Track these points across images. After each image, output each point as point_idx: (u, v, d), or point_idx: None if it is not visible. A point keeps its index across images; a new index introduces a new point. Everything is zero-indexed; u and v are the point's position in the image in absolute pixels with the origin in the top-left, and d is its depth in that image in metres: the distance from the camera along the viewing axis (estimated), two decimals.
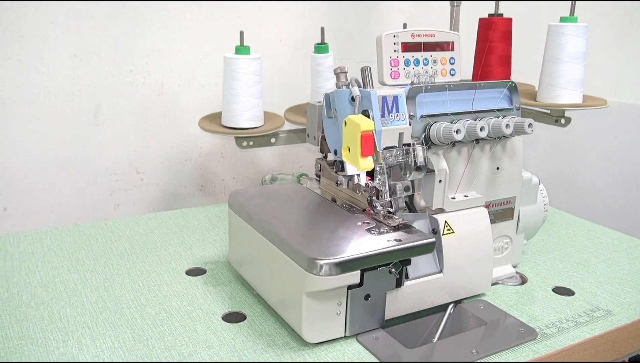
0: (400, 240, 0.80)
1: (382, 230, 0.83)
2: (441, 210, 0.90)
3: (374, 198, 0.86)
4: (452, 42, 1.06)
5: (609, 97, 1.22)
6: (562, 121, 1.18)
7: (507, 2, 1.38)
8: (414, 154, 0.86)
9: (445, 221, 0.89)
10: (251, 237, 0.88)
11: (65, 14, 1.24)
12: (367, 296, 0.81)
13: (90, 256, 1.04)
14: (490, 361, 0.78)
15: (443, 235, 0.89)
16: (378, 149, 0.83)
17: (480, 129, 0.87)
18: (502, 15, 1.30)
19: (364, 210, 0.90)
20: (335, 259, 0.74)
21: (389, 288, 0.83)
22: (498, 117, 0.92)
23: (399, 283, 0.83)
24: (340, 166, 0.91)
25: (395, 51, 1.01)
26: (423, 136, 0.88)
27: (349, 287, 0.79)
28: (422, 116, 0.88)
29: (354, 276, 0.76)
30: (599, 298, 0.95)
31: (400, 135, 0.86)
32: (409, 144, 0.86)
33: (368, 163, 0.83)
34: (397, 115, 0.86)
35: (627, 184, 1.64)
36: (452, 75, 1.05)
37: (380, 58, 0.99)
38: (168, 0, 1.33)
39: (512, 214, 1.00)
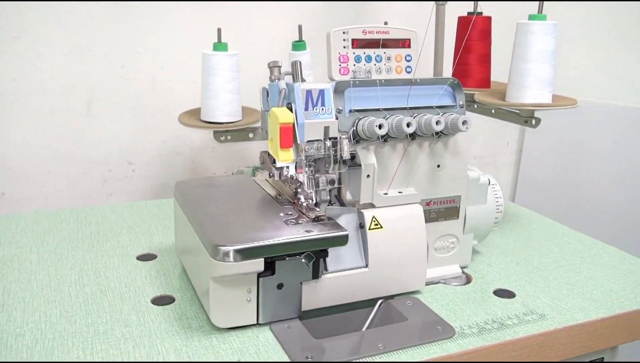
0: (311, 231, 0.82)
1: (299, 221, 0.85)
2: (371, 205, 0.90)
3: (298, 189, 0.87)
4: (409, 40, 1.05)
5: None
6: (533, 121, 1.15)
7: (492, 1, 1.35)
8: (340, 148, 0.87)
9: (373, 216, 0.89)
10: (184, 225, 0.92)
11: (60, 11, 1.32)
12: (280, 286, 0.82)
13: (56, 238, 1.10)
14: (392, 360, 0.78)
15: (369, 229, 0.89)
16: (299, 142, 0.85)
17: (407, 125, 0.87)
18: (481, 13, 1.28)
19: (294, 202, 0.92)
20: (236, 246, 0.77)
21: (304, 279, 0.84)
22: (442, 114, 0.92)
23: (315, 275, 0.84)
24: (273, 158, 0.93)
25: (344, 47, 1.01)
26: (352, 130, 0.89)
27: (260, 275, 0.81)
28: (350, 111, 0.89)
29: (257, 264, 0.78)
30: (539, 302, 0.93)
31: (326, 129, 0.87)
32: (335, 138, 0.87)
33: (287, 155, 0.84)
34: (323, 109, 0.87)
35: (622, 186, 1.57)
36: (408, 72, 1.05)
37: (329, 54, 1.01)
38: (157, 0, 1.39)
39: (457, 214, 0.99)
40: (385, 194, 0.92)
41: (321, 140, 0.86)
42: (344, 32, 1.02)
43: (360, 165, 0.89)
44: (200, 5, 1.43)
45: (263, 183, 1.02)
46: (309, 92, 0.86)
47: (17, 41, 1.30)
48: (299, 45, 1.30)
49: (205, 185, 0.99)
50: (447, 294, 0.95)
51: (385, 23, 1.31)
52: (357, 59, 1.03)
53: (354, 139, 0.88)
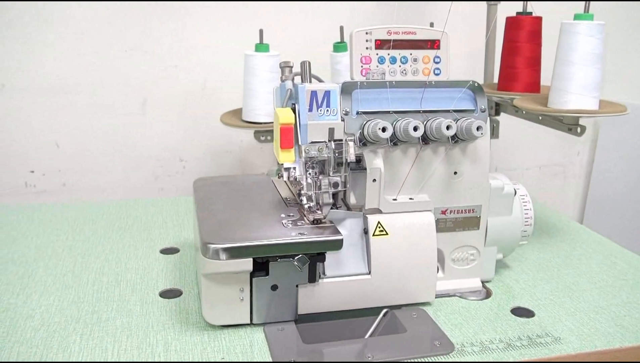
0: (303, 234, 0.80)
1: (298, 224, 0.84)
2: (378, 210, 0.88)
3: (301, 191, 0.86)
4: (438, 41, 1.01)
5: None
6: (578, 129, 1.07)
7: (545, 1, 1.27)
8: (346, 151, 0.85)
9: (379, 222, 0.87)
10: (193, 222, 0.93)
11: (119, 13, 1.39)
12: (274, 287, 0.82)
13: (93, 228, 1.16)
14: None
15: (373, 235, 0.86)
16: (301, 143, 0.84)
17: (415, 129, 0.83)
18: (530, 13, 1.21)
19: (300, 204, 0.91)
20: (224, 244, 0.77)
21: (300, 282, 0.83)
22: (457, 120, 0.87)
23: (312, 279, 0.83)
24: None
25: (367, 48, 0.99)
26: (359, 133, 0.86)
27: (253, 275, 0.81)
28: (358, 113, 0.86)
29: (245, 264, 0.78)
30: (559, 324, 0.86)
31: (331, 130, 0.85)
32: (341, 140, 0.86)
33: (288, 156, 0.84)
34: (328, 110, 0.85)
35: None
36: (437, 74, 1.01)
37: (351, 55, 0.99)
38: (208, 0, 1.43)
39: (477, 224, 0.94)
40: (395, 200, 0.89)
41: (325, 142, 0.85)
42: (367, 33, 0.99)
43: (366, 169, 0.86)
44: (247, 6, 1.45)
45: (281, 184, 1.01)
46: (313, 93, 0.85)
47: (79, 42, 1.39)
48: (340, 46, 1.29)
49: (222, 183, 1.01)
50: (459, 308, 0.90)
51: (431, 24, 1.27)
52: (381, 60, 1.00)
53: (360, 142, 0.86)
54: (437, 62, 1.01)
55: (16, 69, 1.38)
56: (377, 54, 1.00)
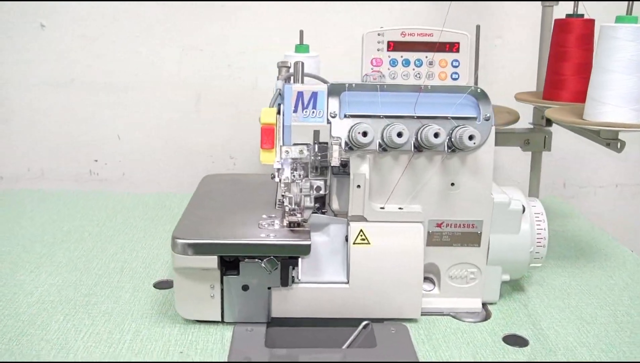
0: (273, 236, 0.79)
1: (274, 225, 0.83)
2: (363, 218, 0.84)
3: (284, 193, 0.85)
4: (457, 43, 0.96)
5: None
6: (618, 145, 0.96)
7: (600, 1, 1.15)
8: (330, 154, 0.83)
9: (361, 230, 0.83)
10: None
11: (176, 13, 1.46)
12: (245, 287, 0.81)
13: (125, 217, 1.23)
14: None
15: (354, 244, 0.83)
16: (282, 144, 0.83)
17: (398, 135, 0.79)
18: (582, 16, 1.10)
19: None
20: (190, 240, 0.78)
21: (273, 285, 0.81)
22: (456, 127, 0.82)
23: (284, 282, 0.81)
24: None
25: (379, 50, 0.96)
26: (348, 136, 0.83)
27: (225, 273, 0.81)
28: (346, 116, 0.83)
29: (210, 261, 0.78)
30: (551, 357, 0.77)
31: (316, 133, 0.83)
32: (326, 143, 0.83)
33: (268, 156, 0.83)
34: (314, 112, 0.83)
35: None
36: (454, 79, 0.95)
37: (362, 57, 0.96)
38: (262, 0, 1.45)
39: (477, 241, 0.87)
40: (382, 208, 0.85)
41: (310, 144, 0.83)
42: (379, 34, 0.96)
43: (348, 174, 0.83)
44: (297, 7, 1.46)
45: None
46: (300, 94, 0.83)
47: (139, 40, 1.47)
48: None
49: (226, 181, 1.02)
50: (447, 329, 0.84)
51: (478, 27, 1.21)
52: (393, 63, 0.96)
53: (347, 146, 0.83)
54: (455, 66, 0.96)
55: (84, 64, 1.48)
56: (389, 56, 0.96)
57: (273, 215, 0.86)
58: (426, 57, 0.95)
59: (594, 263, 1.06)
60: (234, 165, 1.57)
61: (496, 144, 1.26)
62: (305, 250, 0.79)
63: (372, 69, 0.96)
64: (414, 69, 0.96)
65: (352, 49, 1.45)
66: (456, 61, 0.96)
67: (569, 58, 1.10)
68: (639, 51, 0.90)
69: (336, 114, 0.83)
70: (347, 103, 0.84)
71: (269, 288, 0.82)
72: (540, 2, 1.22)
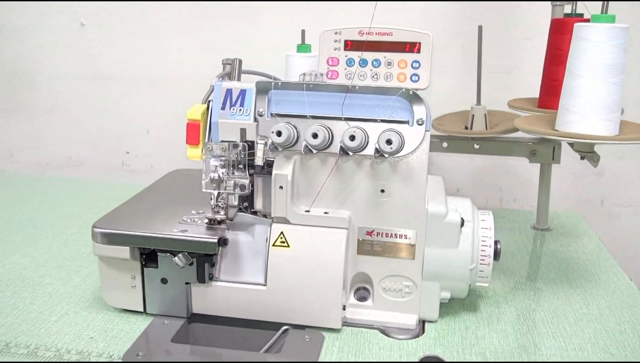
0: (185, 231, 0.79)
1: (195, 221, 0.83)
2: (285, 220, 0.82)
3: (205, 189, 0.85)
4: (419, 44, 0.91)
5: None
6: (595, 158, 0.86)
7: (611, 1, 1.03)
8: (255, 153, 0.82)
9: (282, 233, 0.81)
10: None
11: (199, 15, 1.50)
12: (164, 280, 0.82)
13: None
14: None
15: (273, 245, 0.81)
16: (207, 141, 0.83)
17: (314, 136, 0.76)
18: (581, 15, 1.00)
19: None
20: (104, 230, 0.80)
21: (190, 280, 0.82)
22: (388, 131, 0.78)
23: (201, 279, 0.81)
24: None
25: (336, 49, 0.93)
26: None
27: (144, 265, 0.82)
28: (272, 115, 0.82)
29: (122, 251, 0.80)
30: None
31: (242, 131, 0.82)
32: (252, 142, 0.82)
33: (193, 152, 0.83)
34: (241, 110, 0.82)
35: None
36: (414, 81, 0.90)
37: (319, 56, 0.94)
38: (281, 0, 1.46)
39: (411, 254, 0.82)
40: (308, 211, 0.82)
41: (234, 142, 0.82)
42: (335, 33, 0.93)
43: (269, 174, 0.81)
44: (316, 7, 1.45)
45: None
46: (229, 91, 0.83)
47: (165, 39, 1.53)
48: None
49: (188, 176, 1.04)
50: (366, 343, 0.80)
51: (480, 28, 1.15)
52: (349, 63, 0.93)
53: (272, 145, 0.81)
54: (415, 68, 0.91)
55: (118, 61, 1.57)
56: (346, 56, 0.93)
57: (202, 211, 0.86)
58: (385, 57, 0.91)
59: (576, 289, 0.95)
60: None
61: (500, 154, 1.19)
62: (211, 247, 0.78)
63: (327, 68, 0.93)
64: (371, 70, 0.92)
65: None
66: (417, 62, 0.90)
67: (565, 61, 1.00)
68: (611, 53, 0.80)
69: (263, 113, 0.82)
70: (275, 102, 0.82)
71: (187, 283, 0.82)
72: (550, 2, 1.12)
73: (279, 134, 0.77)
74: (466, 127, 1.18)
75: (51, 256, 1.03)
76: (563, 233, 1.18)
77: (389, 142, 0.75)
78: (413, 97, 0.79)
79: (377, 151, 0.78)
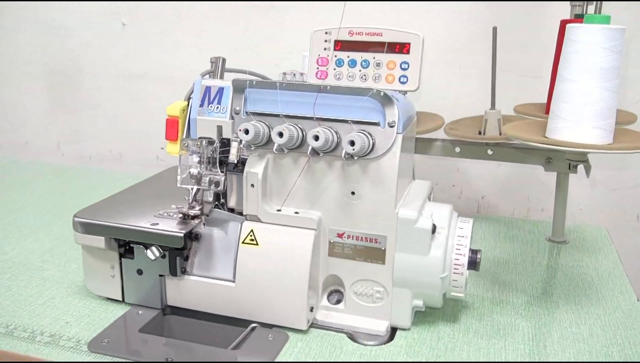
0: (156, 224, 0.81)
1: (171, 215, 0.85)
2: (257, 218, 0.82)
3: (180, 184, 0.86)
4: (408, 44, 0.89)
5: None
6: (584, 168, 0.81)
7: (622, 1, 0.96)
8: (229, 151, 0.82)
9: (252, 230, 0.81)
10: None
11: (231, 14, 1.53)
12: (139, 271, 0.85)
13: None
14: None
15: (243, 243, 0.81)
16: (184, 137, 0.84)
17: (279, 135, 0.76)
18: None
19: None
20: (81, 219, 0.83)
21: (163, 272, 0.83)
22: (362, 132, 0.77)
23: (173, 272, 0.83)
24: None
25: (325, 49, 0.92)
26: None
27: (124, 256, 0.85)
28: (247, 113, 0.82)
29: (97, 241, 0.82)
30: None
31: (219, 128, 0.83)
32: (227, 139, 0.83)
33: (172, 148, 0.85)
34: (218, 107, 0.83)
35: None
36: (402, 82, 0.89)
37: (310, 55, 0.93)
38: (307, 0, 1.46)
39: (382, 258, 0.80)
40: (279, 211, 0.82)
41: (210, 139, 0.83)
42: (326, 33, 0.93)
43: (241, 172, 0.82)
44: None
45: None
46: (207, 89, 0.84)
47: (199, 39, 1.57)
48: None
49: None
50: (328, 346, 0.79)
51: (494, 28, 1.12)
52: (339, 63, 0.92)
53: (247, 143, 0.82)
54: (404, 69, 0.89)
55: (154, 60, 1.63)
56: (335, 56, 0.92)
57: (180, 206, 0.88)
58: (374, 58, 0.90)
59: (572, 306, 0.90)
60: None
61: (513, 161, 1.14)
62: (177, 241, 0.79)
63: (317, 68, 0.93)
64: (360, 70, 0.91)
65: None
66: (405, 63, 0.88)
67: None
68: (604, 56, 0.75)
69: (239, 111, 0.83)
70: (251, 101, 0.82)
71: (161, 275, 0.84)
72: (569, 2, 1.06)
73: (246, 132, 0.77)
74: (479, 133, 1.14)
75: (59, 242, 1.08)
76: (580, 247, 1.11)
77: (352, 143, 0.73)
78: (385, 99, 0.77)
79: (346, 152, 0.77)
